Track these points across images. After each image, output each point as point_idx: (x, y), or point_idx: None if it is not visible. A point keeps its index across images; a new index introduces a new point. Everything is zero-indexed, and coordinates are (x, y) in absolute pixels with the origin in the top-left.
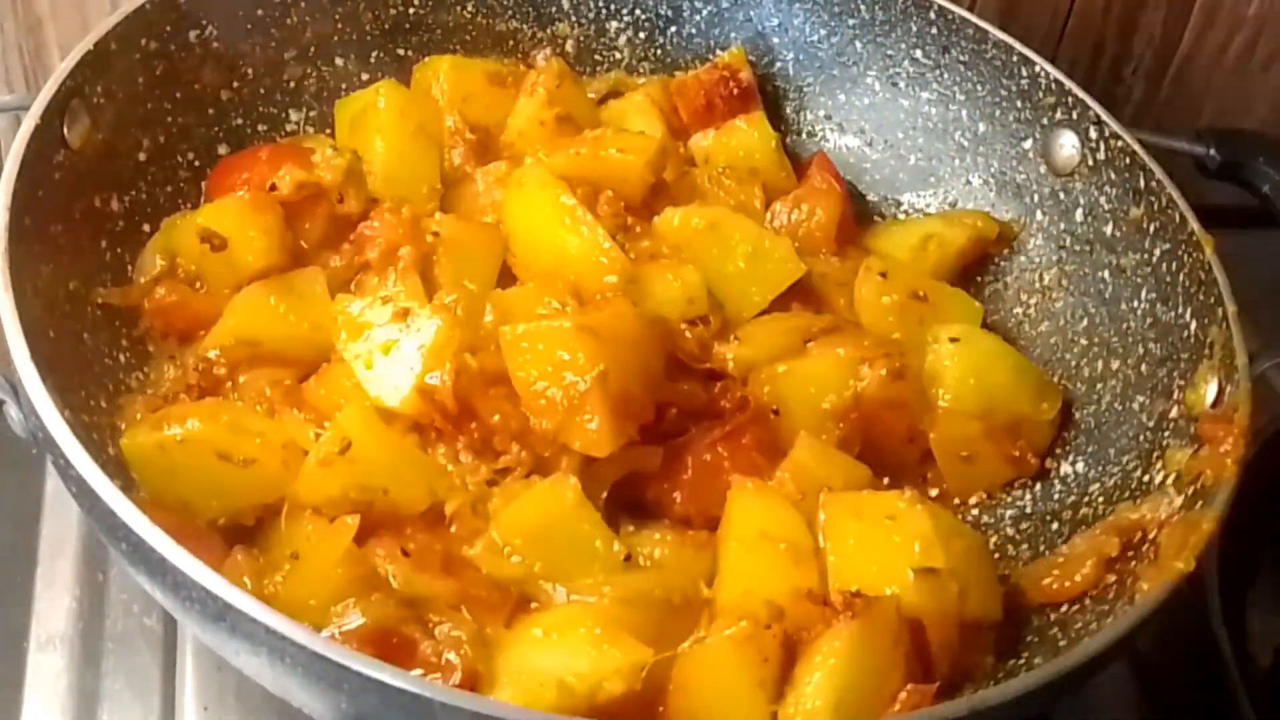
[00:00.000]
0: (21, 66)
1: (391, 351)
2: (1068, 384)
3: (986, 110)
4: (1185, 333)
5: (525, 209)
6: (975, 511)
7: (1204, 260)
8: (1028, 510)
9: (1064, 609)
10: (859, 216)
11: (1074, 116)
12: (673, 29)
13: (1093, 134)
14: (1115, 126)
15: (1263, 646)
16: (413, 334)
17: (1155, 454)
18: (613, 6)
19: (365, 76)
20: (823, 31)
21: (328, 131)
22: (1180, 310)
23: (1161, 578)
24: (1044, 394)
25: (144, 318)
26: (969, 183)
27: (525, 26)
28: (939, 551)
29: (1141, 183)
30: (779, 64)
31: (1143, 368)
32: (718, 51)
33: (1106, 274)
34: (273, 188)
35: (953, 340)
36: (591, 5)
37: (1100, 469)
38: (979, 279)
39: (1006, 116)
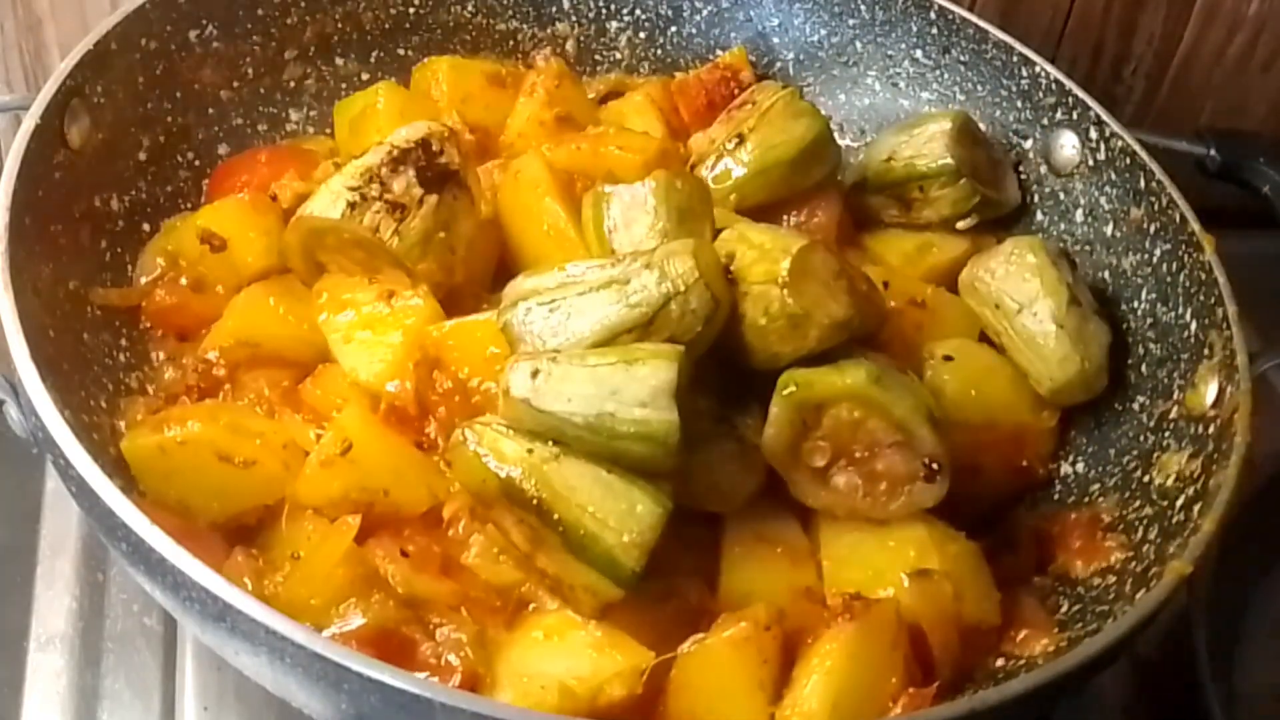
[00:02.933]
0: (21, 66)
1: (370, 328)
2: None
3: (987, 110)
4: (1185, 333)
5: (515, 202)
6: None
7: (1204, 261)
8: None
9: (1065, 609)
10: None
11: (1074, 117)
12: (673, 29)
13: (1093, 134)
14: (1115, 127)
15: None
16: (396, 314)
17: (1155, 454)
18: (613, 6)
19: (365, 76)
20: (823, 32)
21: (328, 131)
22: (1180, 310)
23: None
24: (1043, 401)
25: (144, 318)
26: None
27: (525, 26)
28: (933, 555)
29: (1142, 183)
30: (779, 64)
31: (1143, 368)
32: (718, 51)
33: (1107, 274)
34: (274, 198)
35: (947, 359)
36: (591, 5)
37: (1100, 469)
38: None
39: (1007, 117)
